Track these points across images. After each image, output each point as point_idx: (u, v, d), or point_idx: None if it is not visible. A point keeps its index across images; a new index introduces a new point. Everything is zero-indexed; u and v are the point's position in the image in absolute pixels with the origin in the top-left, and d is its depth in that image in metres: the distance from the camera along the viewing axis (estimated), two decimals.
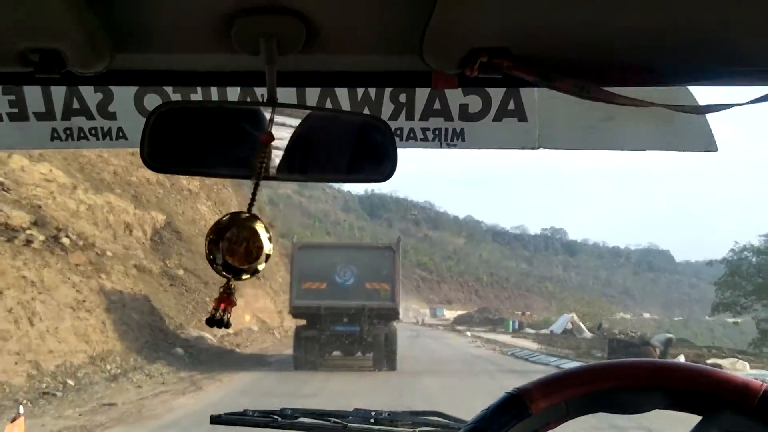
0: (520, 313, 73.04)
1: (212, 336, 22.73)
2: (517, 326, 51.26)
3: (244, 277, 0.91)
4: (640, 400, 0.88)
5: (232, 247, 0.90)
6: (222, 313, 0.92)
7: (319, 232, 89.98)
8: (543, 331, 44.47)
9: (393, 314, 18.06)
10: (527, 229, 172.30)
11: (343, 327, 17.46)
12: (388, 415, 1.98)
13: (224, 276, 0.91)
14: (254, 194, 0.94)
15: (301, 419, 1.96)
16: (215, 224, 0.91)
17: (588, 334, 39.65)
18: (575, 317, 44.54)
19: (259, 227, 0.90)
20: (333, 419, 1.94)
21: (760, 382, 0.87)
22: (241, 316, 28.82)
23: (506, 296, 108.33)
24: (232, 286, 0.92)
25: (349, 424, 1.92)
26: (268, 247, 0.91)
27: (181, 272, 26.10)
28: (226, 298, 0.92)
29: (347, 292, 17.28)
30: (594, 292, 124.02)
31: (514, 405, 0.84)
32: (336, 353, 18.66)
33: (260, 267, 0.90)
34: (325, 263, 17.54)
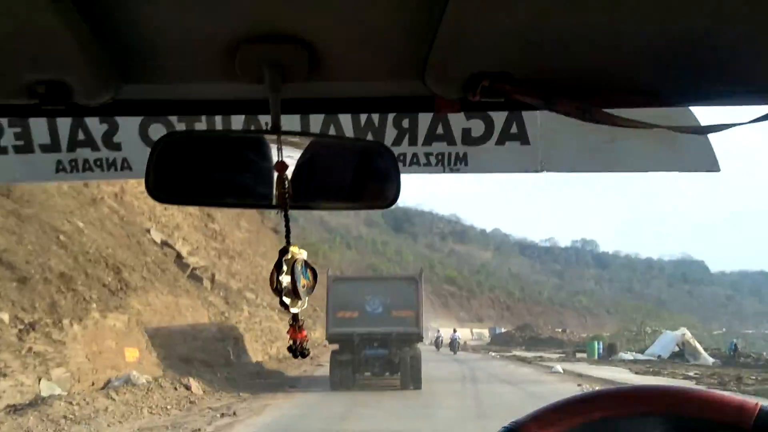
0: (560, 330, 70.00)
1: None
2: (602, 351, 37.27)
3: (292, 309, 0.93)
4: (635, 426, 0.87)
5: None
6: (299, 344, 0.95)
7: (339, 247, 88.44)
8: (640, 356, 34.32)
9: (417, 338, 19.88)
10: (557, 241, 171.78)
11: (374, 351, 19.22)
12: None
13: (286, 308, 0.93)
14: (287, 225, 0.97)
15: None
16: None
17: (708, 359, 31.02)
18: (688, 335, 34.37)
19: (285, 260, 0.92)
20: None
21: (755, 403, 0.86)
22: (116, 352, 14.55)
23: (540, 311, 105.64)
24: (297, 316, 0.94)
25: None
26: (285, 280, 0.92)
27: None
28: (292, 328, 0.95)
29: (376, 320, 19.09)
30: (628, 307, 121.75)
31: None
32: (367, 374, 20.08)
33: (286, 300, 0.92)
34: (357, 294, 19.52)
